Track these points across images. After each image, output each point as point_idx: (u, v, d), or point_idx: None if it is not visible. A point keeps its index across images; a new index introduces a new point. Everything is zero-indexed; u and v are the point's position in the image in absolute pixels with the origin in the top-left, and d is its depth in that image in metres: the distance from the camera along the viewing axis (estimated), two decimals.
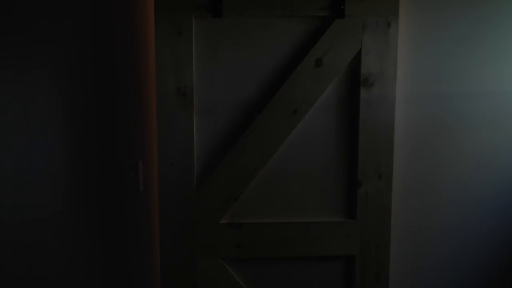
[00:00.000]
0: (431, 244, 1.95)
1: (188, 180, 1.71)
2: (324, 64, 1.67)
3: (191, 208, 1.72)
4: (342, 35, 1.66)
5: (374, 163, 1.72)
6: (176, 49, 1.65)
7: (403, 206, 1.90)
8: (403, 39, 1.75)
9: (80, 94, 1.84)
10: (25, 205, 1.88)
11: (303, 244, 1.76)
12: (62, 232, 1.91)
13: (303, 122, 1.71)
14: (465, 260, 1.97)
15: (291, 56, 1.69)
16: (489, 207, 1.94)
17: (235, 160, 1.71)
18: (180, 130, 1.69)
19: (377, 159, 1.72)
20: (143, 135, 1.87)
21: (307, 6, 1.65)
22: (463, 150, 1.90)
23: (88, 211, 1.90)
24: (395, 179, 1.78)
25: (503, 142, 1.91)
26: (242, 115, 1.71)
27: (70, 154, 1.86)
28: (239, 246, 1.75)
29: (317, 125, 1.73)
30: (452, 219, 1.94)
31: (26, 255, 1.92)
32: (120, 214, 1.91)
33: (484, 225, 1.95)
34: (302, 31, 1.68)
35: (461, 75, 1.86)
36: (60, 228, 1.91)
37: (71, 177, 1.88)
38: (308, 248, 1.76)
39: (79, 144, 1.86)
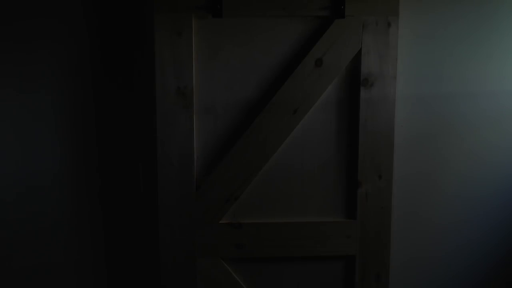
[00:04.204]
0: (431, 243, 1.95)
1: (188, 180, 1.71)
2: (324, 64, 1.67)
3: (191, 208, 1.72)
4: (342, 35, 1.66)
5: (374, 163, 1.72)
6: (176, 49, 1.65)
7: (403, 206, 1.90)
8: (403, 39, 1.75)
9: (80, 96, 1.84)
10: (28, 207, 1.88)
11: (303, 244, 1.75)
12: (66, 234, 1.91)
13: (303, 122, 1.71)
14: (464, 258, 1.97)
15: (291, 56, 1.69)
16: (490, 205, 1.94)
17: (235, 160, 1.70)
18: (180, 130, 1.68)
19: (377, 159, 1.72)
20: (143, 135, 1.87)
21: (307, 6, 1.65)
22: (464, 150, 1.90)
23: (90, 213, 1.91)
24: (395, 179, 1.77)
25: (504, 141, 1.91)
26: (242, 115, 1.71)
27: (71, 155, 1.86)
28: (239, 246, 1.75)
29: (317, 125, 1.72)
30: (453, 218, 1.94)
31: (30, 257, 1.92)
32: (121, 215, 1.91)
33: (484, 223, 1.96)
34: (302, 31, 1.68)
35: (462, 75, 1.86)
36: (64, 230, 1.91)
37: (73, 178, 1.88)
38: (308, 248, 1.76)
39: (80, 146, 1.86)
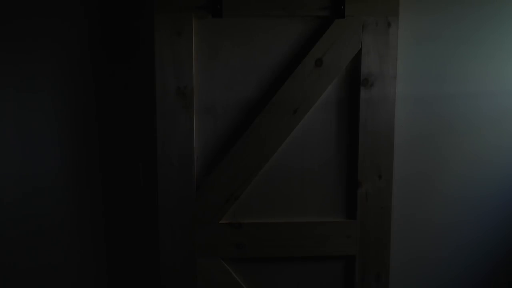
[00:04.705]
0: (431, 243, 1.95)
1: (188, 180, 1.71)
2: (324, 64, 1.67)
3: (191, 208, 1.72)
4: (342, 35, 1.66)
5: (374, 163, 1.72)
6: (176, 49, 1.65)
7: (403, 206, 1.90)
8: (403, 39, 1.75)
9: (81, 95, 1.84)
10: (28, 208, 1.88)
11: (303, 244, 1.76)
12: (67, 234, 1.91)
13: (303, 122, 1.71)
14: (464, 258, 1.97)
15: (291, 56, 1.69)
16: (490, 205, 1.94)
17: (235, 160, 1.71)
18: (180, 130, 1.69)
19: (377, 159, 1.72)
20: (143, 135, 1.87)
21: (307, 6, 1.65)
22: (464, 150, 1.90)
23: (91, 213, 1.91)
24: (395, 179, 1.77)
25: (504, 141, 1.91)
26: (242, 115, 1.71)
27: (72, 155, 1.86)
28: (239, 246, 1.75)
29: (317, 125, 1.73)
30: (453, 218, 1.94)
31: (31, 257, 1.92)
32: (121, 214, 1.91)
33: (484, 223, 1.96)
34: (302, 31, 1.68)
35: (462, 75, 1.86)
36: (65, 230, 1.91)
37: (73, 178, 1.88)
38: (308, 248, 1.76)
39: (81, 146, 1.86)
